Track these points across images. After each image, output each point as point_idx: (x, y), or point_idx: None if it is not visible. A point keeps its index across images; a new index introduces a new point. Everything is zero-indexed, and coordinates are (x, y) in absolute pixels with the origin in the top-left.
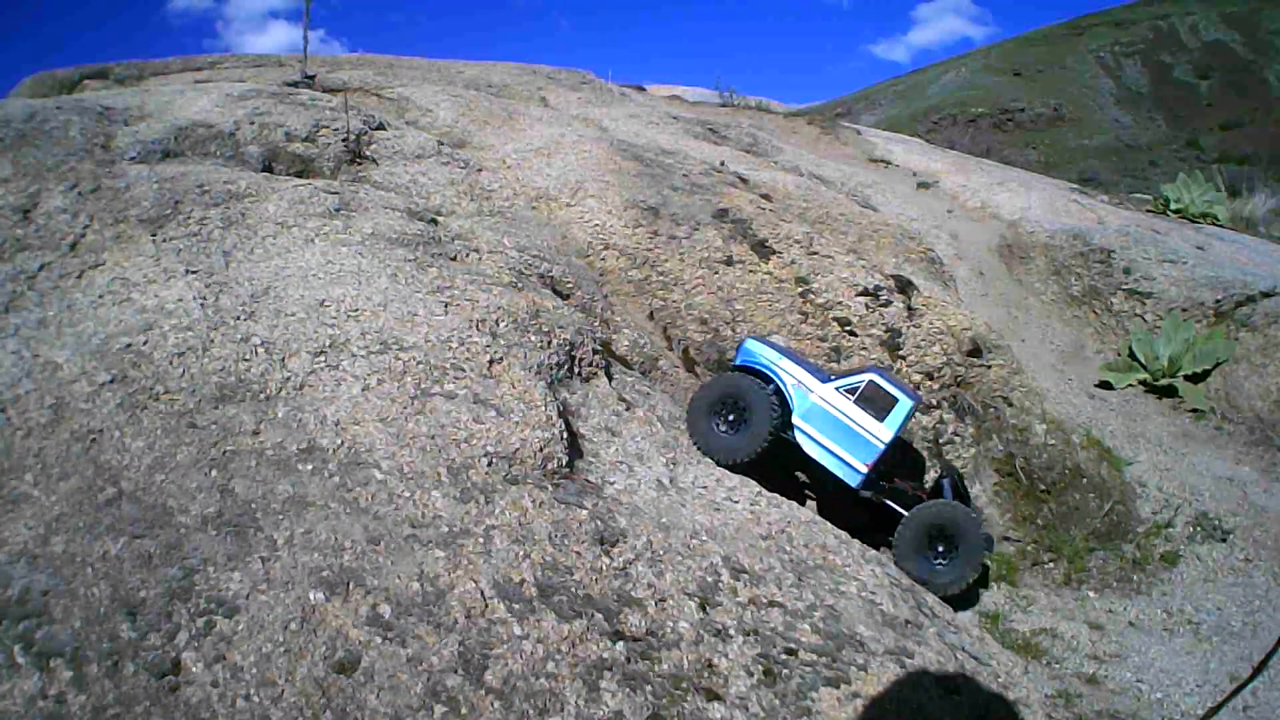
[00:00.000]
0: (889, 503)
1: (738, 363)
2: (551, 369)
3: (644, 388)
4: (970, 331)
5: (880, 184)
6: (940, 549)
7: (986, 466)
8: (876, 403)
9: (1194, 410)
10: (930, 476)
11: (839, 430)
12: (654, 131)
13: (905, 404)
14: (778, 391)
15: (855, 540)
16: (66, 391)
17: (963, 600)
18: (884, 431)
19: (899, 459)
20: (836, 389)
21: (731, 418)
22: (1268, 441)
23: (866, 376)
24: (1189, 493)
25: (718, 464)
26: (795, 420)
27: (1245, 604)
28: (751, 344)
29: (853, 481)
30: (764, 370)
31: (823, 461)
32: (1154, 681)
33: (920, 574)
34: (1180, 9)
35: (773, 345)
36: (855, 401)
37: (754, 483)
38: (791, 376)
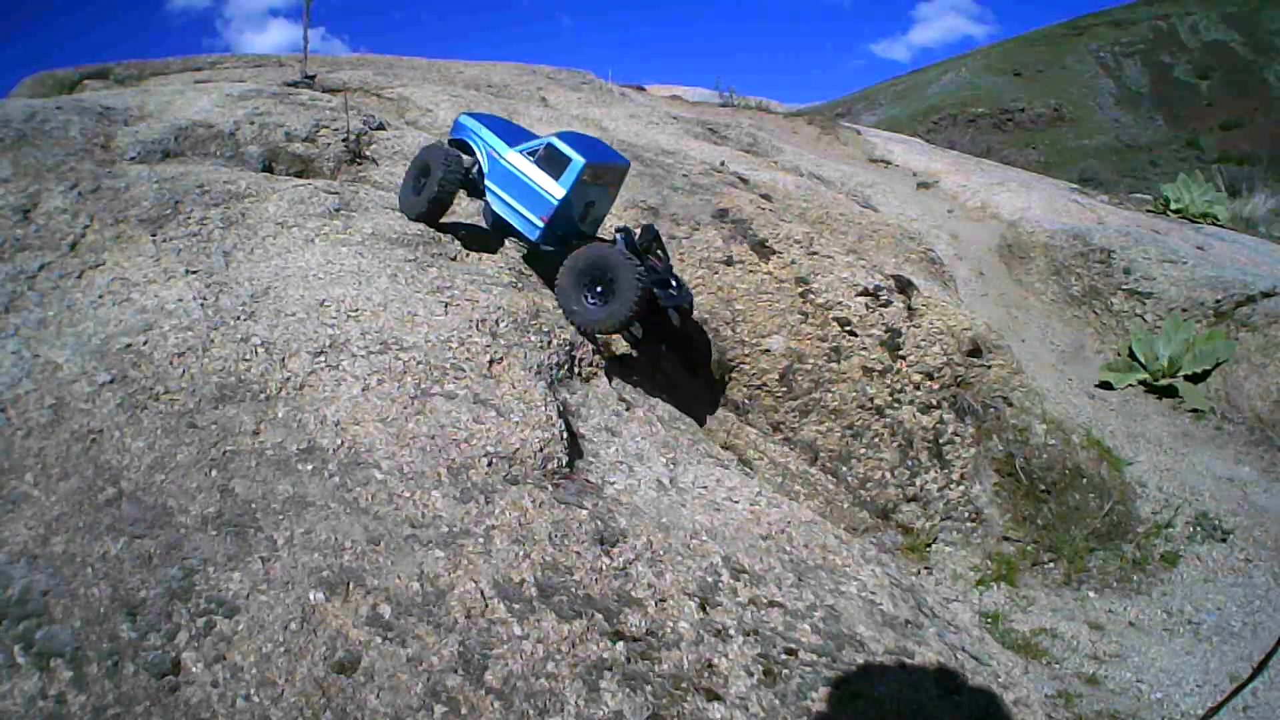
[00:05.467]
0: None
1: (450, 136)
2: (551, 369)
3: (644, 388)
4: (970, 331)
5: (880, 184)
6: (598, 290)
7: (986, 466)
8: (553, 163)
9: (1194, 410)
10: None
11: (520, 188)
12: (654, 131)
13: (577, 163)
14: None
15: (855, 540)
16: (66, 391)
17: (962, 600)
18: (557, 189)
19: (590, 221)
20: (520, 151)
21: (422, 182)
22: (1268, 441)
23: (547, 139)
24: (1189, 493)
25: (408, 219)
26: (486, 183)
27: (1245, 604)
28: (462, 118)
29: (532, 235)
30: (469, 141)
31: (508, 219)
32: (1154, 681)
33: (576, 315)
34: (1180, 9)
35: (480, 117)
36: (536, 163)
37: (754, 482)
38: (487, 144)
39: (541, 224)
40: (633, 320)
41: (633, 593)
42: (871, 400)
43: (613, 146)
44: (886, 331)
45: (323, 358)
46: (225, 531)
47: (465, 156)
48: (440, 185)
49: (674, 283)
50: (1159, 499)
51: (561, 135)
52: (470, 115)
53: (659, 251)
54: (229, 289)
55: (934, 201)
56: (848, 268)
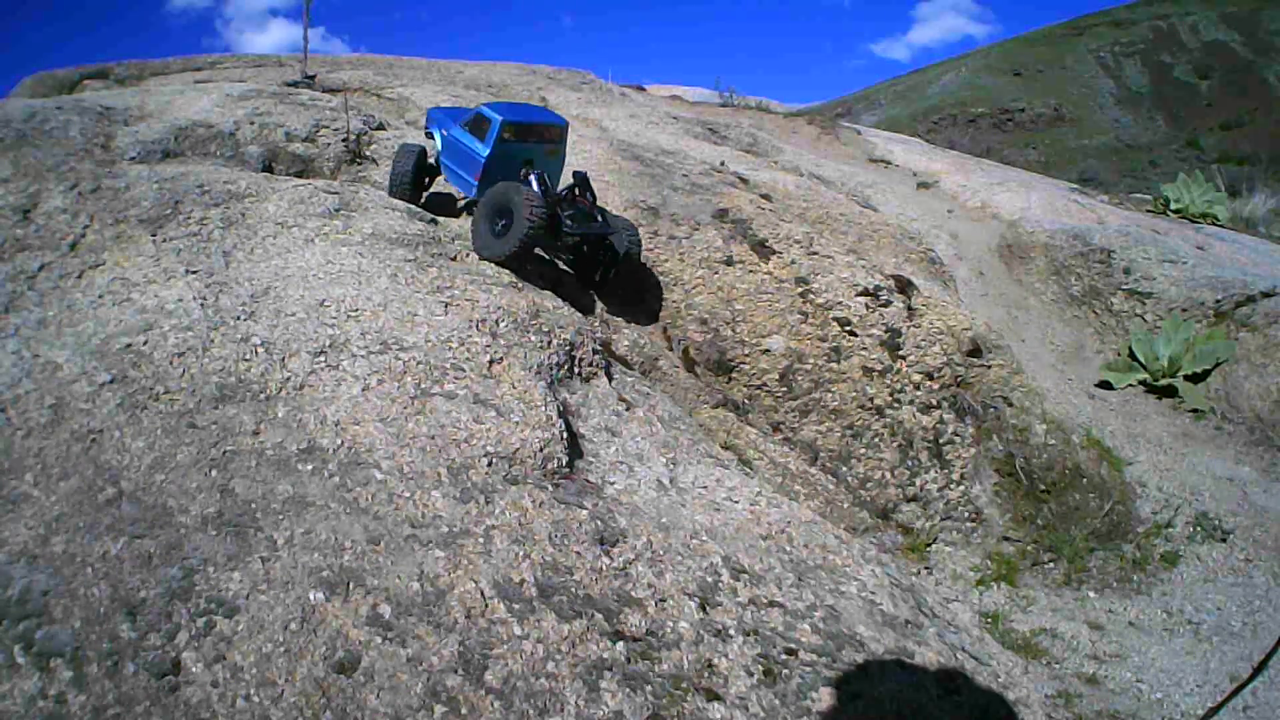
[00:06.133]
0: None
1: (425, 129)
2: (551, 369)
3: (644, 388)
4: (970, 331)
5: (880, 184)
6: (502, 224)
7: (986, 466)
8: (479, 127)
9: (1194, 410)
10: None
11: (459, 155)
12: (654, 131)
13: (495, 121)
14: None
15: (855, 540)
16: (66, 391)
17: (962, 600)
18: (482, 149)
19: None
20: (459, 124)
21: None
22: (1268, 441)
23: (476, 108)
24: (1189, 493)
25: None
26: (441, 160)
27: (1245, 604)
28: (431, 111)
29: (470, 193)
30: (432, 130)
31: (453, 183)
32: (1154, 681)
33: (482, 246)
34: (1180, 9)
35: (443, 109)
36: (468, 130)
37: (754, 482)
38: (441, 127)
39: (475, 181)
40: (526, 245)
41: (633, 593)
42: (871, 400)
43: (613, 145)
44: (886, 331)
45: (323, 358)
46: (225, 531)
47: (427, 144)
48: (395, 169)
49: (599, 217)
50: (1159, 499)
51: (489, 103)
52: (438, 109)
53: (587, 194)
54: (229, 289)
55: (934, 201)
56: (848, 268)
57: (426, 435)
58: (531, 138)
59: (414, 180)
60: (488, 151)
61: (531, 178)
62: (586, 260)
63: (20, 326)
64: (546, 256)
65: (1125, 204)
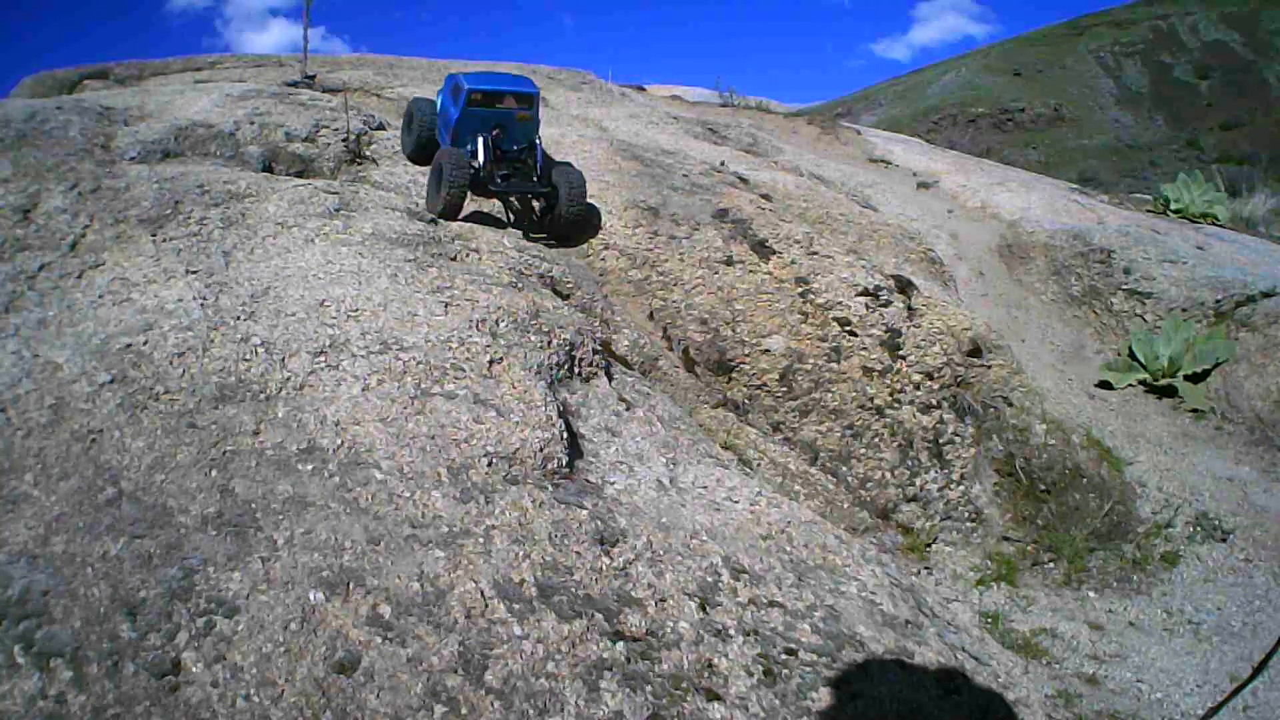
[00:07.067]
0: None
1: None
2: (551, 369)
3: (644, 388)
4: (970, 331)
5: (880, 184)
6: (439, 182)
7: (986, 466)
8: (455, 94)
9: (1194, 410)
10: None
11: (444, 118)
12: (654, 131)
13: (464, 89)
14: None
15: (855, 540)
16: (66, 391)
17: (962, 600)
18: (454, 112)
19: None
20: (448, 89)
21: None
22: (1268, 441)
23: (455, 77)
24: (1189, 493)
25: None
26: (436, 120)
27: (1245, 604)
28: (448, 76)
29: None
30: (440, 94)
31: (440, 140)
32: (1154, 681)
33: (428, 204)
34: (1180, 9)
35: (455, 75)
36: (450, 95)
37: (754, 482)
38: (443, 90)
39: (450, 140)
40: (453, 200)
41: (633, 593)
42: (871, 400)
43: (613, 145)
44: (886, 331)
45: (323, 358)
46: (225, 531)
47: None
48: (416, 136)
49: (536, 178)
50: (1159, 499)
51: (465, 72)
52: (451, 74)
53: (528, 158)
54: (229, 289)
55: (934, 201)
56: (848, 268)
57: (426, 435)
58: (500, 104)
59: (430, 135)
60: (457, 115)
61: (479, 139)
62: (534, 213)
63: (20, 326)
64: (517, 205)
65: (1125, 204)
